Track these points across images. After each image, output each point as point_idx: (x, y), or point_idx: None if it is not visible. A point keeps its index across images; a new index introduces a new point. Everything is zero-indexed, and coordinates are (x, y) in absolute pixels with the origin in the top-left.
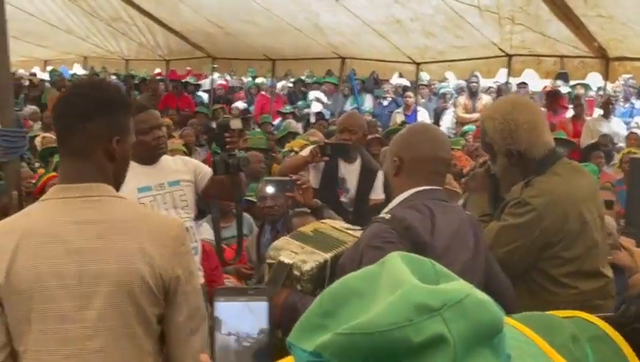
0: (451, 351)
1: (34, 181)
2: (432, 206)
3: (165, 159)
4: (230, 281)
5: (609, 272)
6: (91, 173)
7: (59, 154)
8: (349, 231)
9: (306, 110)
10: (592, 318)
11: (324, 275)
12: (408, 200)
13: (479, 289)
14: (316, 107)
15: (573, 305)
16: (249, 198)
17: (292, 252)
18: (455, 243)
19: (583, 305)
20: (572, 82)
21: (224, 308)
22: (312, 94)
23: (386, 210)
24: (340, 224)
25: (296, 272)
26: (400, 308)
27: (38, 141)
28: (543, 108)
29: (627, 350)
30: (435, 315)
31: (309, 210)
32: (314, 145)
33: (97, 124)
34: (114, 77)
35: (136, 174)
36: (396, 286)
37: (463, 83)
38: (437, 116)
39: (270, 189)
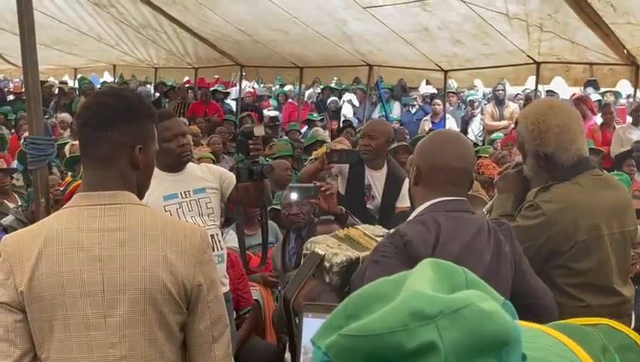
0: (441, 360)
1: (62, 188)
2: (442, 220)
3: (191, 167)
4: (256, 289)
5: (627, 291)
6: (114, 181)
7: (82, 162)
8: (378, 239)
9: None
10: (620, 326)
11: (354, 271)
12: (422, 213)
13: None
14: (347, 110)
15: (579, 318)
16: (274, 207)
17: (328, 246)
18: (464, 257)
19: None
20: (602, 89)
21: (309, 324)
22: (346, 96)
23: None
24: (372, 230)
25: (326, 263)
26: (397, 313)
27: (67, 149)
28: None
29: None
30: (429, 322)
31: (333, 218)
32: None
33: (120, 132)
34: (148, 85)
35: (162, 182)
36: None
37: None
38: (465, 124)
39: (294, 196)
